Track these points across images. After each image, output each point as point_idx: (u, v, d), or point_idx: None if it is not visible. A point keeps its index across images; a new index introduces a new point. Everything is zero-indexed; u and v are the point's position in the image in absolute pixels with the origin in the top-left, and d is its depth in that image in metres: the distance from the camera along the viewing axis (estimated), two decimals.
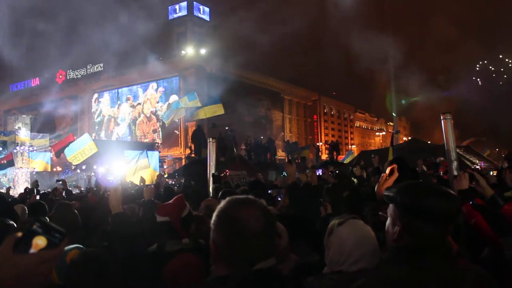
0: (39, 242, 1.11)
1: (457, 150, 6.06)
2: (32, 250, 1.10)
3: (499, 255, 2.69)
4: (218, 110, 14.02)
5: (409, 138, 49.15)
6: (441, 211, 1.61)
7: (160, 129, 49.48)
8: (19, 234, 1.11)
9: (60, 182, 10.82)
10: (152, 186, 7.80)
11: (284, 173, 15.93)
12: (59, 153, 16.71)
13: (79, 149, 14.37)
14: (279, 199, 6.14)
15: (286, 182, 8.14)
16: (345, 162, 17.95)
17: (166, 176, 14.64)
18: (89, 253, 2.54)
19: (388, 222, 1.77)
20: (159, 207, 3.20)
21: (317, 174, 7.61)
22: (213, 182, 6.74)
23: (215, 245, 1.54)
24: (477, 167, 17.83)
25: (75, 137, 16.32)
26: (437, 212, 1.61)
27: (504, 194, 3.78)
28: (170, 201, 3.19)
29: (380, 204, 2.37)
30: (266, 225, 1.52)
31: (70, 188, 11.83)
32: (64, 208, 4.20)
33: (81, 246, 2.86)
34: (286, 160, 27.42)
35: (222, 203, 1.58)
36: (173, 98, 46.23)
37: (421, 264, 1.57)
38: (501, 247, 2.75)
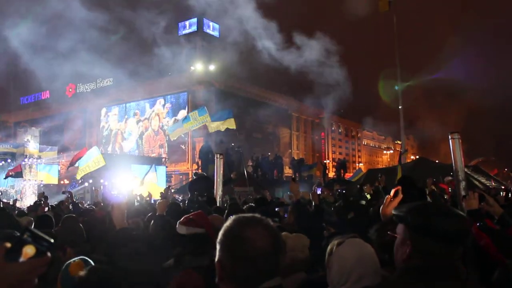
0: (28, 250, 1.15)
1: (465, 170, 6.04)
2: (22, 259, 1.15)
3: (509, 278, 2.65)
4: (229, 124, 14.06)
5: (417, 157, 49.02)
6: (452, 232, 1.60)
7: (166, 144, 49.64)
8: (9, 243, 1.15)
9: (68, 194, 10.82)
10: (165, 199, 7.73)
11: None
12: (71, 165, 16.81)
13: (87, 162, 14.44)
14: (286, 216, 6.12)
15: (291, 200, 8.13)
16: (354, 179, 17.87)
17: (173, 190, 14.66)
18: (98, 270, 2.50)
19: (397, 242, 1.76)
20: (187, 219, 3.07)
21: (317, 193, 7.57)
22: (209, 206, 6.65)
23: (220, 264, 1.53)
24: (487, 185, 17.69)
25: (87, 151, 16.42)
26: (448, 233, 1.60)
27: None
28: (193, 215, 3.11)
29: (386, 225, 2.36)
30: (272, 245, 1.50)
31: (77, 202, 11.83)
32: (70, 221, 4.20)
33: (85, 258, 2.83)
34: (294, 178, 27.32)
35: (228, 221, 1.57)
36: (181, 113, 46.46)
37: (431, 285, 1.55)
38: (508, 270, 2.71)
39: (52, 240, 1.20)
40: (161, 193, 11.26)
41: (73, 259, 2.68)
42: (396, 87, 28.22)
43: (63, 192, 12.82)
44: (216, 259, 1.55)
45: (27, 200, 19.77)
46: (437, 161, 30.79)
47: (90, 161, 14.46)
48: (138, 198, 10.29)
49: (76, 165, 14.81)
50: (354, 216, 5.48)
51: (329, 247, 2.20)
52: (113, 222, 3.08)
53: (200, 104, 28.66)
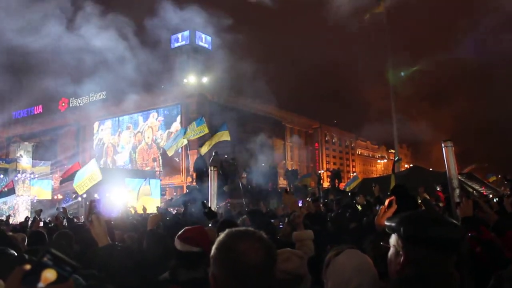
0: (49, 275, 1.05)
1: (459, 177, 6.06)
2: (41, 284, 1.04)
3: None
4: (224, 136, 14.12)
5: (411, 165, 49.17)
6: (445, 240, 1.60)
7: (160, 157, 49.53)
8: (28, 266, 1.06)
9: (61, 210, 10.73)
10: (157, 213, 7.67)
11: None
12: (64, 181, 16.68)
13: (85, 176, 14.30)
14: (281, 226, 6.09)
15: (285, 211, 8.10)
16: (350, 186, 17.85)
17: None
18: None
19: (390, 252, 1.76)
20: (187, 237, 2.99)
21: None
22: (208, 218, 6.59)
23: (214, 278, 1.52)
24: (481, 191, 17.75)
25: (81, 166, 16.29)
26: (441, 242, 1.60)
27: None
28: (193, 231, 3.06)
29: (380, 236, 2.36)
30: (265, 257, 1.50)
31: (71, 217, 11.75)
32: (63, 238, 4.15)
33: (77, 277, 2.77)
34: (288, 189, 27.30)
35: (222, 235, 1.57)
36: (175, 126, 46.46)
37: None
38: (501, 279, 2.71)
39: (75, 264, 1.10)
40: (157, 207, 11.22)
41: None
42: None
43: (57, 209, 12.73)
44: (210, 273, 1.55)
45: (21, 215, 19.60)
46: (430, 169, 30.90)
47: (89, 175, 14.33)
48: (133, 212, 10.24)
49: (74, 181, 14.68)
50: (356, 226, 5.48)
51: (326, 259, 2.19)
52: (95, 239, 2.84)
53: (193, 117, 28.73)
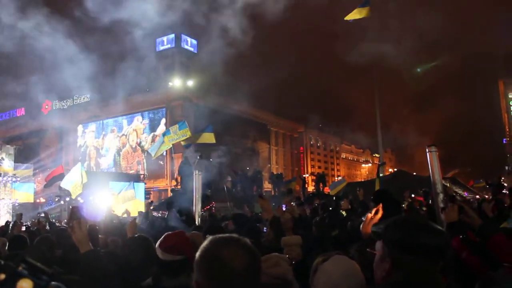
0: (24, 285, 1.02)
1: (443, 182, 6.09)
2: None
3: None
4: (209, 138, 14.09)
5: (395, 169, 49.56)
6: (432, 246, 1.60)
7: (145, 160, 49.25)
8: (2, 276, 1.02)
9: (43, 215, 10.58)
10: (136, 220, 7.55)
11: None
12: (48, 184, 16.44)
13: (76, 180, 14.16)
14: (265, 230, 6.07)
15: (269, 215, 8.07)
16: (335, 189, 17.89)
17: (152, 208, 14.48)
18: None
19: (376, 258, 1.75)
20: (168, 246, 2.88)
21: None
22: (188, 225, 6.48)
23: (198, 286, 1.50)
24: (464, 196, 17.96)
25: (64, 169, 16.10)
26: (428, 248, 1.59)
27: (501, 225, 3.76)
28: (175, 237, 2.95)
29: (366, 243, 2.35)
30: (250, 264, 1.48)
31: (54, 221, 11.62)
32: (43, 243, 4.08)
33: (60, 284, 2.71)
34: (273, 193, 27.34)
35: (205, 242, 1.55)
36: (160, 129, 46.28)
37: None
38: (490, 281, 2.72)
39: (52, 273, 1.08)
40: (139, 212, 11.09)
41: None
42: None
43: (38, 213, 12.56)
44: (193, 280, 1.53)
45: (1, 219, 19.27)
46: (414, 174, 31.18)
47: (79, 178, 14.19)
48: (120, 215, 10.15)
49: (62, 185, 14.51)
50: (338, 233, 5.46)
51: (313, 265, 2.17)
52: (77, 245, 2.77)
53: (179, 120, 28.57)
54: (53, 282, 2.66)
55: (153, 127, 50.01)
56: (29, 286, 1.03)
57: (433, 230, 1.64)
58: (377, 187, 12.00)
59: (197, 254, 1.54)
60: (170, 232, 3.04)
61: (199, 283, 1.50)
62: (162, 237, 2.98)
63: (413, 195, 12.09)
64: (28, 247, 5.21)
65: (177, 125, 14.94)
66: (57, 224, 11.84)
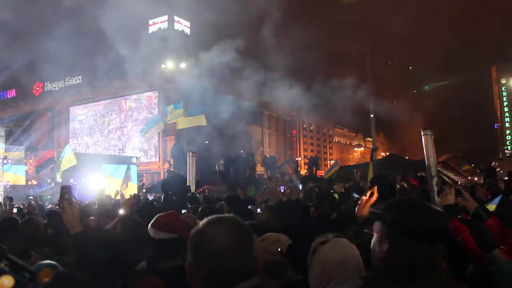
0: (6, 282, 1.00)
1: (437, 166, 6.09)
2: None
3: (484, 272, 2.66)
4: (201, 121, 14.07)
5: (387, 153, 49.74)
6: (432, 229, 1.57)
7: (138, 143, 49.06)
8: None
9: (31, 197, 10.52)
10: (131, 197, 7.50)
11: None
12: (39, 169, 16.41)
13: (61, 159, 14.33)
14: (259, 210, 6.06)
15: (264, 198, 8.07)
16: (329, 173, 17.95)
17: (145, 191, 14.43)
18: (64, 275, 2.32)
19: (374, 240, 1.71)
20: (161, 224, 2.86)
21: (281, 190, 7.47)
22: (190, 203, 6.47)
23: (189, 266, 1.47)
24: (456, 180, 18.09)
25: (54, 152, 16.14)
26: (428, 230, 1.56)
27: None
28: (167, 217, 2.92)
29: (363, 225, 2.33)
30: (238, 242, 1.43)
31: (47, 204, 11.58)
32: (31, 224, 4.03)
33: (53, 262, 2.68)
34: (265, 176, 27.39)
35: (199, 223, 1.52)
36: (152, 111, 46.07)
37: (412, 283, 1.52)
38: (486, 263, 2.72)
39: (34, 270, 1.05)
40: (130, 195, 11.00)
41: (41, 264, 2.56)
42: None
43: (27, 197, 12.51)
44: (186, 261, 1.50)
45: None
46: (407, 158, 31.37)
47: (64, 157, 14.30)
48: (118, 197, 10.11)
49: (51, 166, 14.64)
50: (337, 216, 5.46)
51: (312, 245, 2.14)
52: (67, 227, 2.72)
53: (171, 102, 28.44)
54: (44, 261, 2.62)
55: (146, 109, 49.72)
56: (10, 283, 1.00)
57: (433, 212, 1.61)
58: (370, 173, 12.07)
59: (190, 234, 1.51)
60: (162, 213, 3.01)
61: (189, 263, 1.47)
62: (154, 218, 2.94)
63: (408, 178, 12.13)
64: (19, 228, 5.18)
65: (172, 106, 14.94)
66: (50, 206, 11.78)
